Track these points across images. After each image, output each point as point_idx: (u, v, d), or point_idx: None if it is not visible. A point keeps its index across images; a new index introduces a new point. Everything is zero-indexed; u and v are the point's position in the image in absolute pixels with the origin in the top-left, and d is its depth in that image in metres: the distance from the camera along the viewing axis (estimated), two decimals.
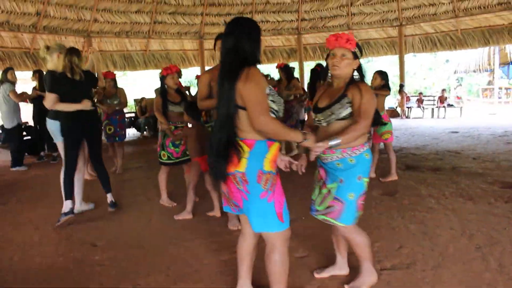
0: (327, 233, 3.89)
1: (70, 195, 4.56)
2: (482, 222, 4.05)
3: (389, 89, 5.81)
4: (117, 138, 7.19)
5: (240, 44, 2.35)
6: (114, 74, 7.34)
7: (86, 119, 4.67)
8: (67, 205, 4.49)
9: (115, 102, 7.03)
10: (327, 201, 2.82)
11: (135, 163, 8.20)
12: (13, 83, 7.83)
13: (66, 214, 4.44)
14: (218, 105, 2.42)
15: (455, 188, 5.27)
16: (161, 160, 5.12)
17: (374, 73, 5.94)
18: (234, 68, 2.32)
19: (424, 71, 30.07)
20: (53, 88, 4.51)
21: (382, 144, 6.07)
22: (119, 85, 7.44)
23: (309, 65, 14.50)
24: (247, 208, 2.43)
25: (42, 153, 8.91)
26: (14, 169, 7.95)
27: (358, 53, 2.79)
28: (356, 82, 2.76)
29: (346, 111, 2.69)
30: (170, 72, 5.00)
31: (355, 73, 2.80)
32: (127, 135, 8.39)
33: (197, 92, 4.03)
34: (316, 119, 2.84)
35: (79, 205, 4.97)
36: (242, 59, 2.34)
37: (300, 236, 3.93)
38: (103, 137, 6.79)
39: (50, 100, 4.48)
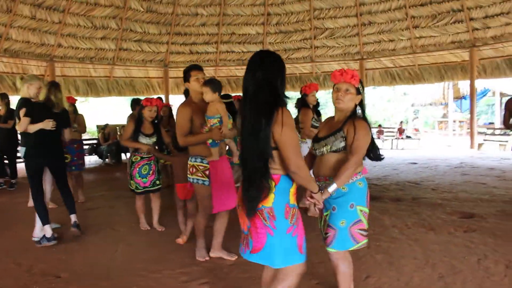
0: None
1: (47, 220, 4.71)
2: (443, 252, 4.20)
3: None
4: (73, 168, 6.76)
5: (272, 80, 2.38)
6: (75, 100, 7.12)
7: (49, 145, 4.80)
8: (47, 230, 4.67)
9: (73, 129, 6.48)
10: (324, 229, 2.94)
11: (97, 191, 8.00)
12: None
13: (49, 239, 4.65)
14: (248, 142, 2.40)
15: (417, 218, 5.44)
16: (131, 188, 5.21)
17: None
18: (270, 107, 2.32)
19: (383, 103, 31.09)
20: (29, 114, 4.68)
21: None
22: (80, 111, 7.16)
23: None
24: (271, 243, 2.41)
25: (0, 180, 8.62)
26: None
27: (361, 89, 2.92)
28: (353, 118, 2.86)
29: (340, 144, 2.80)
30: (150, 104, 5.02)
31: (358, 107, 2.92)
32: (87, 162, 8.20)
33: (175, 126, 4.02)
34: (314, 148, 2.97)
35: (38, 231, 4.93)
36: (274, 96, 2.36)
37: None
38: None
39: (24, 124, 4.65)
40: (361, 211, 2.87)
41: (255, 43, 15.06)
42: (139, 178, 5.06)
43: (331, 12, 14.30)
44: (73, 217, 4.99)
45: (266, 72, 2.38)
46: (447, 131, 22.77)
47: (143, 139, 5.03)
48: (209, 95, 4.08)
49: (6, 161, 8.58)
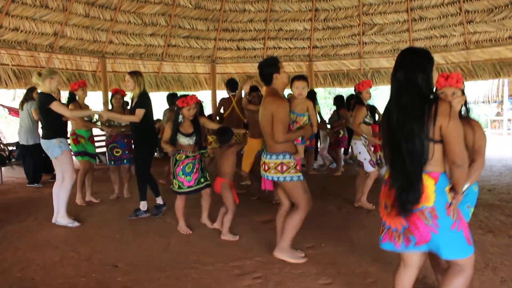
0: (348, 261, 3.89)
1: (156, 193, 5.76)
2: (504, 256, 4.03)
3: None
4: (125, 161, 6.84)
5: (412, 78, 2.37)
6: (125, 92, 7.08)
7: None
8: (143, 205, 5.69)
9: (123, 124, 6.66)
10: None
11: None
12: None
13: (145, 212, 5.66)
14: (403, 144, 2.35)
15: (473, 219, 5.21)
16: (173, 189, 5.02)
17: None
18: (417, 104, 2.32)
19: None
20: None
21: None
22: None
23: (318, 92, 14.61)
24: (437, 241, 2.41)
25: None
26: (31, 185, 7.98)
27: (464, 89, 2.88)
28: (465, 117, 2.84)
29: None
30: (186, 105, 4.89)
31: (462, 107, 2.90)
32: None
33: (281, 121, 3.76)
34: None
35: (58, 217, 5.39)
36: (419, 94, 2.35)
37: (321, 263, 3.91)
38: (108, 160, 6.91)
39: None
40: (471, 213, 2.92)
41: (302, 39, 14.94)
42: (183, 177, 4.90)
43: (381, 7, 13.97)
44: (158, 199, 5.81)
45: (406, 71, 2.37)
46: (501, 130, 21.87)
47: (183, 139, 4.87)
48: (305, 91, 4.15)
49: None
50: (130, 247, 4.50)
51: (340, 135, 9.09)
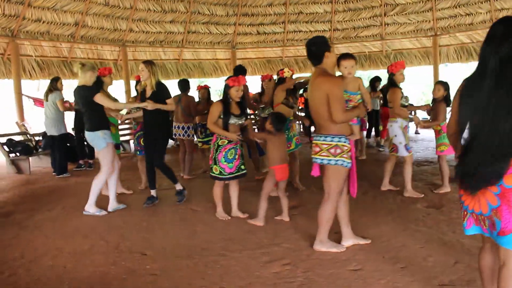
0: (376, 246, 3.86)
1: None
2: None
3: (450, 101, 5.75)
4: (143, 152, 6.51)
5: None
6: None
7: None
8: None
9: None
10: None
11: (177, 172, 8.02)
12: (60, 92, 8.11)
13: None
14: (497, 122, 2.18)
15: None
16: (212, 174, 4.91)
17: (436, 84, 5.88)
18: None
19: (458, 81, 29.55)
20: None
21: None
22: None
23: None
24: None
25: (80, 161, 9.05)
26: (59, 176, 8.11)
27: None
28: None
29: None
30: (237, 84, 4.78)
31: None
32: None
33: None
34: None
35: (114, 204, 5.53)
36: None
37: (350, 249, 3.88)
38: (134, 150, 6.79)
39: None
40: None
41: (323, 22, 14.74)
42: (225, 163, 4.78)
43: None
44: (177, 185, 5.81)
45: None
46: None
47: (233, 120, 4.77)
48: (354, 69, 4.10)
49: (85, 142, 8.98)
50: (157, 235, 4.52)
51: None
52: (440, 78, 15.27)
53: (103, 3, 12.32)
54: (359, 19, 14.57)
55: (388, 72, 5.76)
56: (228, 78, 4.88)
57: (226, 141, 4.81)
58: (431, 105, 6.04)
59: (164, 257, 3.89)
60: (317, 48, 3.70)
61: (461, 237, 4.06)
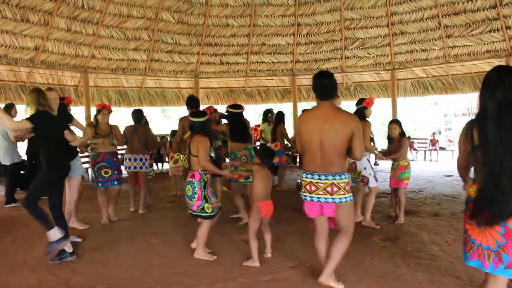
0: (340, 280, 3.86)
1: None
2: None
3: (405, 135, 6.20)
4: (115, 182, 6.39)
5: None
6: (111, 108, 6.71)
7: None
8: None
9: (114, 140, 6.35)
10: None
11: (126, 203, 7.74)
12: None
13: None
14: (501, 158, 2.42)
15: (457, 235, 5.27)
16: (207, 214, 4.55)
17: (391, 124, 6.15)
18: None
19: (414, 113, 30.57)
20: None
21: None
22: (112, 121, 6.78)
23: (301, 106, 14.69)
24: None
25: None
26: (8, 206, 7.81)
27: None
28: None
29: None
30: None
31: None
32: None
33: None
34: None
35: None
36: None
37: (308, 284, 3.88)
38: (92, 182, 6.35)
39: None
40: None
41: (285, 54, 15.04)
42: (213, 198, 4.63)
43: (362, 22, 14.16)
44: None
45: (507, 93, 2.43)
46: None
47: (212, 153, 4.62)
48: None
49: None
50: (111, 269, 4.40)
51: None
52: (398, 110, 15.80)
53: (65, 28, 12.17)
54: (320, 52, 14.95)
55: (359, 105, 5.77)
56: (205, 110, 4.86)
57: (210, 176, 4.65)
58: (387, 144, 6.33)
59: None
60: (333, 83, 3.67)
61: (414, 270, 4.15)
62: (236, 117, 6.37)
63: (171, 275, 4.16)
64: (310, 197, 3.62)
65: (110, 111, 6.51)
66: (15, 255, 4.87)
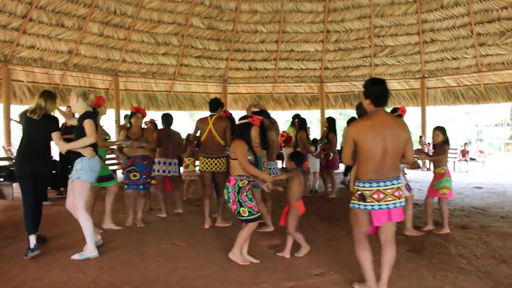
0: None
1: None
2: None
3: (448, 144, 6.11)
4: (141, 187, 6.36)
5: None
6: (145, 112, 6.67)
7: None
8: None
9: (143, 144, 6.29)
10: None
11: (153, 205, 7.90)
12: None
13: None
14: None
15: (486, 248, 5.14)
16: (244, 217, 4.55)
17: (435, 130, 6.13)
18: None
19: (444, 122, 30.02)
20: None
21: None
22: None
23: (328, 113, 14.63)
24: None
25: (61, 189, 8.99)
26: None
27: None
28: None
29: None
30: (257, 123, 4.81)
31: None
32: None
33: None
34: None
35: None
36: None
37: None
38: (125, 184, 6.32)
39: None
40: None
41: (313, 60, 15.04)
42: (251, 202, 4.59)
43: (392, 29, 14.07)
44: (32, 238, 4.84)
45: None
46: None
47: (250, 156, 4.63)
48: None
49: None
50: (137, 270, 4.46)
51: (330, 158, 9.21)
52: (428, 119, 15.55)
53: (97, 33, 12.49)
54: (349, 59, 14.89)
55: (394, 113, 5.68)
56: (245, 116, 4.89)
57: (246, 181, 4.63)
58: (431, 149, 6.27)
59: None
60: (387, 89, 3.67)
61: (441, 282, 4.07)
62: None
63: (196, 278, 4.19)
64: (379, 205, 3.56)
65: (144, 115, 6.56)
66: (46, 252, 4.97)
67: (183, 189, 8.83)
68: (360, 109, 5.65)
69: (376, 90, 3.62)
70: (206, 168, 6.20)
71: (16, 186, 9.05)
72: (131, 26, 12.91)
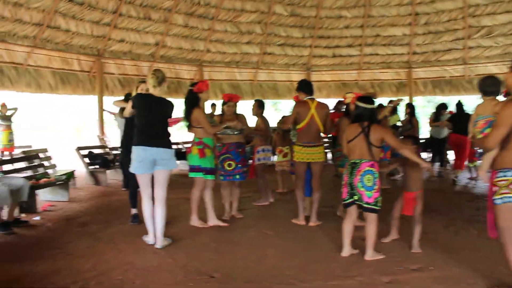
0: None
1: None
2: None
3: None
4: (238, 176, 5.96)
5: None
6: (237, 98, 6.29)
7: None
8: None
9: (236, 132, 5.90)
10: None
11: (244, 193, 7.14)
12: None
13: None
14: None
15: None
16: (379, 208, 4.28)
17: None
18: None
19: None
20: None
21: None
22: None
23: (416, 101, 13.90)
24: None
25: None
26: (125, 189, 8.25)
27: None
28: None
29: None
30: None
31: None
32: None
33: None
34: None
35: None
36: None
37: None
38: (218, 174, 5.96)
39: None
40: None
41: (401, 45, 14.34)
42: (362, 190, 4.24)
43: (489, 8, 12.96)
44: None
45: None
46: None
47: None
48: None
49: None
50: (226, 257, 4.43)
51: None
52: None
53: (182, 24, 12.76)
54: (440, 42, 14.02)
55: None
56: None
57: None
58: None
59: (232, 281, 3.78)
60: None
61: None
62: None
63: (286, 268, 4.07)
64: None
65: (236, 102, 6.16)
66: (138, 237, 5.10)
67: (278, 180, 8.41)
68: (489, 85, 4.63)
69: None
70: (303, 159, 5.56)
71: (109, 173, 9.52)
72: (215, 16, 13.03)
